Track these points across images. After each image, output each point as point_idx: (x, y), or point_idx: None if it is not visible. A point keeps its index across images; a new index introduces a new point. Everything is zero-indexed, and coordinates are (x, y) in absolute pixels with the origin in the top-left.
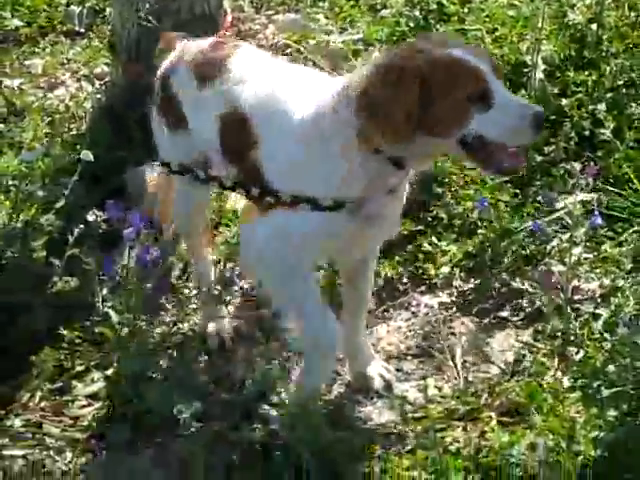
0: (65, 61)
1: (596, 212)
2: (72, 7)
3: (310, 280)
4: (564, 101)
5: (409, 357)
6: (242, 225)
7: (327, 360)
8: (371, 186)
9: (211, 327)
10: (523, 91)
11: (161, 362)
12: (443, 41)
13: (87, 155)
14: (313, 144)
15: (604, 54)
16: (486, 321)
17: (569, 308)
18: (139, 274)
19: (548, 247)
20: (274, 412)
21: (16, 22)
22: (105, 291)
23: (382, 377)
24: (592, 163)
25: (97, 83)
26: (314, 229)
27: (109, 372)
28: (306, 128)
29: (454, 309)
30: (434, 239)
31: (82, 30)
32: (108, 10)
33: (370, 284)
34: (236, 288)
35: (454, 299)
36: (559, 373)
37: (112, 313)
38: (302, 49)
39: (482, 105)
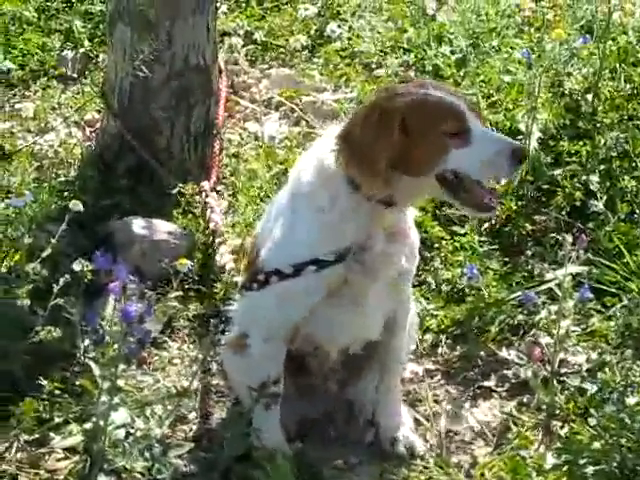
0: (56, 106)
1: (586, 285)
2: (66, 52)
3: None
4: (557, 171)
5: None
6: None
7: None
8: (367, 230)
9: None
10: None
11: (141, 418)
12: (421, 83)
13: (76, 205)
14: (300, 204)
15: (599, 125)
16: (471, 390)
17: (555, 381)
18: (123, 328)
19: (536, 318)
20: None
21: (8, 64)
22: (87, 343)
23: (408, 444)
24: (583, 235)
25: (87, 130)
26: (319, 287)
27: (88, 425)
28: (290, 192)
29: (439, 376)
30: (421, 304)
31: (75, 75)
32: (101, 56)
33: (402, 341)
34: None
35: (439, 366)
36: (543, 448)
37: (93, 365)
38: (295, 107)
39: (460, 141)
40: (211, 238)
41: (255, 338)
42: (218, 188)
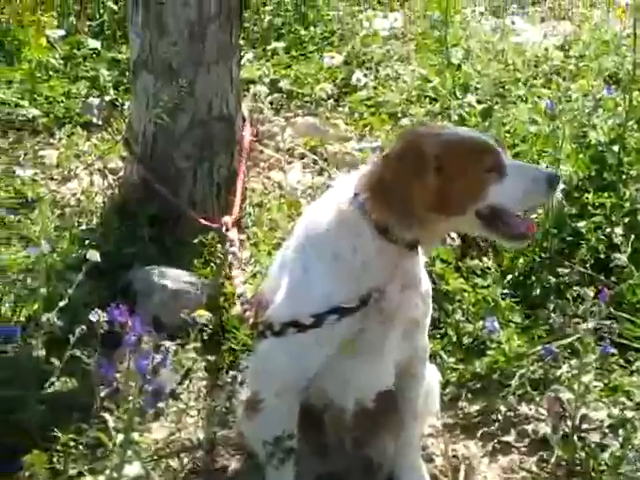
0: (80, 153)
1: (608, 340)
2: (91, 99)
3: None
4: (581, 223)
5: None
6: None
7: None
8: (390, 274)
9: None
10: (540, 210)
11: (156, 471)
12: (440, 126)
13: (94, 255)
14: (314, 253)
15: (624, 177)
16: (490, 445)
17: (575, 437)
18: (138, 380)
19: (557, 373)
20: None
21: (34, 111)
22: (103, 394)
23: None
24: (606, 288)
25: (110, 178)
26: (332, 337)
27: (102, 479)
28: (302, 241)
29: (458, 431)
30: (442, 357)
31: (99, 123)
32: (126, 104)
33: (418, 394)
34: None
35: (458, 420)
36: None
37: (109, 418)
38: (317, 157)
39: (496, 176)
40: (229, 290)
41: (267, 393)
42: (241, 237)
